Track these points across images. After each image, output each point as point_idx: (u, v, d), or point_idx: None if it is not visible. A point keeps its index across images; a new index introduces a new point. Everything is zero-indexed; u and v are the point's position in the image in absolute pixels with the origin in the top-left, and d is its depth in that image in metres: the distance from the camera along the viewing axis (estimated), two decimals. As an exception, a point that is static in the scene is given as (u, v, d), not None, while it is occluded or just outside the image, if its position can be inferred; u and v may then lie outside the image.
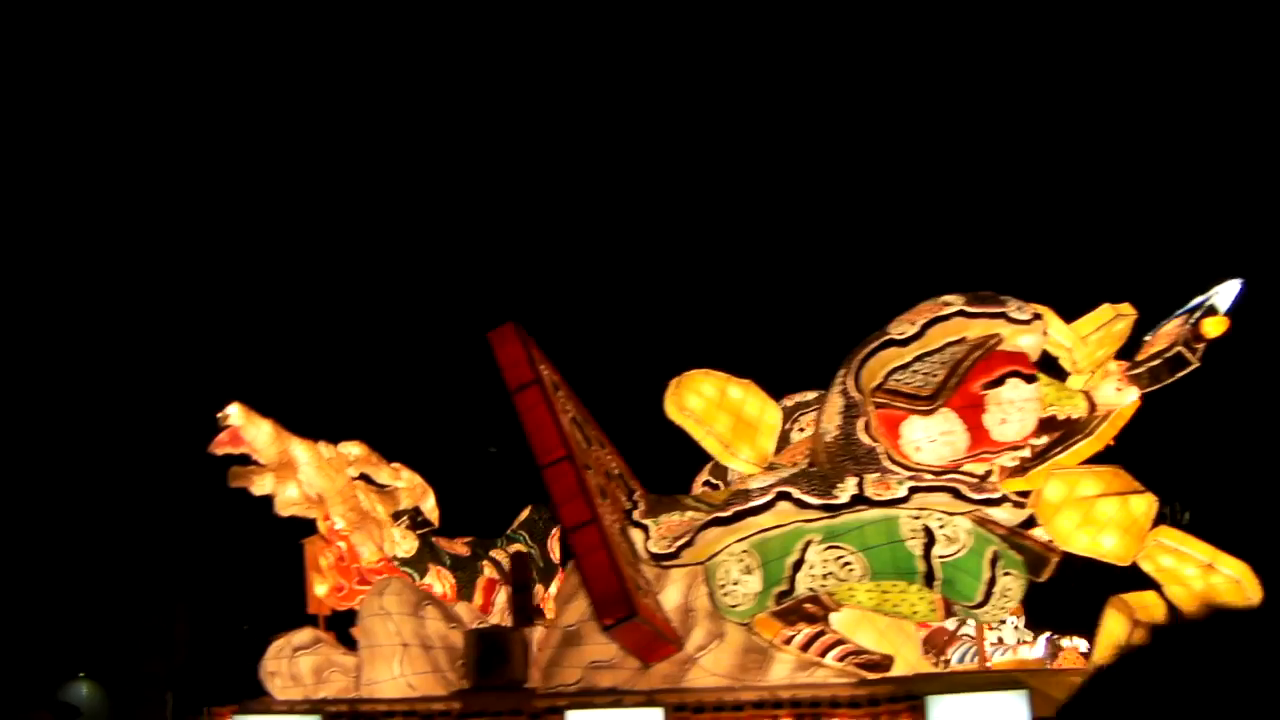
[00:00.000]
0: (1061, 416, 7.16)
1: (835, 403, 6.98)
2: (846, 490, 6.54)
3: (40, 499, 15.48)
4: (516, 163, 18.61)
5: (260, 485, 7.97)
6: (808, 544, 6.59)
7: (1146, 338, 7.56)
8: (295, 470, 8.19)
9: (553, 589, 11.57)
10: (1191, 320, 7.01)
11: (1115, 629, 6.85)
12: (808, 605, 6.85)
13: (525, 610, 7.63)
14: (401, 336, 18.01)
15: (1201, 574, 6.74)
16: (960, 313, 6.83)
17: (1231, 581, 6.66)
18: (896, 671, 6.87)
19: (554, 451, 6.79)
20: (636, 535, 7.17)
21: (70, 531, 15.64)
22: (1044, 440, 7.30)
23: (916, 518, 6.56)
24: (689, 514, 7.31)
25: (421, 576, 10.03)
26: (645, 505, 7.51)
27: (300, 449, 8.31)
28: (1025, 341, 7.02)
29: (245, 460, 8.10)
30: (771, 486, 6.69)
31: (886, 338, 6.87)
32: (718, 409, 7.82)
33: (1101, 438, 7.60)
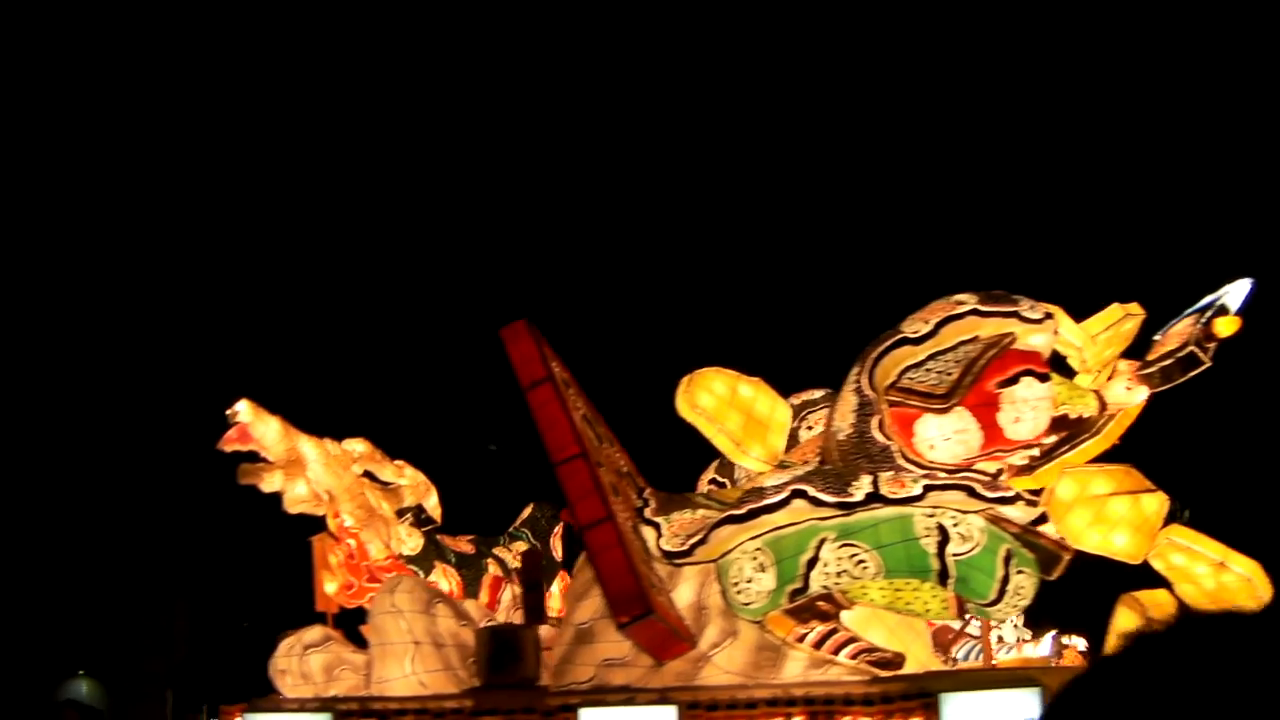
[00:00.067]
0: (1073, 415, 7.19)
1: (848, 401, 6.98)
2: (861, 488, 6.55)
3: (39, 496, 15.42)
4: (518, 161, 18.60)
5: (269, 482, 7.95)
6: (822, 542, 6.60)
7: (1156, 337, 7.59)
8: (304, 467, 8.17)
9: (554, 587, 11.60)
10: (1203, 320, 7.04)
11: (1127, 627, 6.89)
12: (820, 603, 6.86)
13: (537, 608, 7.62)
14: (400, 334, 17.98)
15: (1213, 572, 6.76)
16: (973, 311, 6.85)
17: (1243, 580, 6.69)
18: (908, 669, 6.89)
19: (567, 449, 6.78)
20: (648, 533, 7.17)
21: (69, 529, 15.58)
22: (1053, 439, 7.33)
23: (930, 516, 6.57)
24: (701, 512, 7.31)
25: (427, 574, 10.02)
26: (656, 503, 7.50)
27: (308, 446, 8.29)
28: (1036, 340, 7.04)
29: (253, 457, 8.07)
30: (786, 484, 6.70)
31: (900, 336, 6.88)
32: (729, 407, 7.82)
33: (1109, 437, 7.64)
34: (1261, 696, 0.82)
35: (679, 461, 9.33)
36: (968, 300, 6.94)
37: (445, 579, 9.87)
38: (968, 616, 8.92)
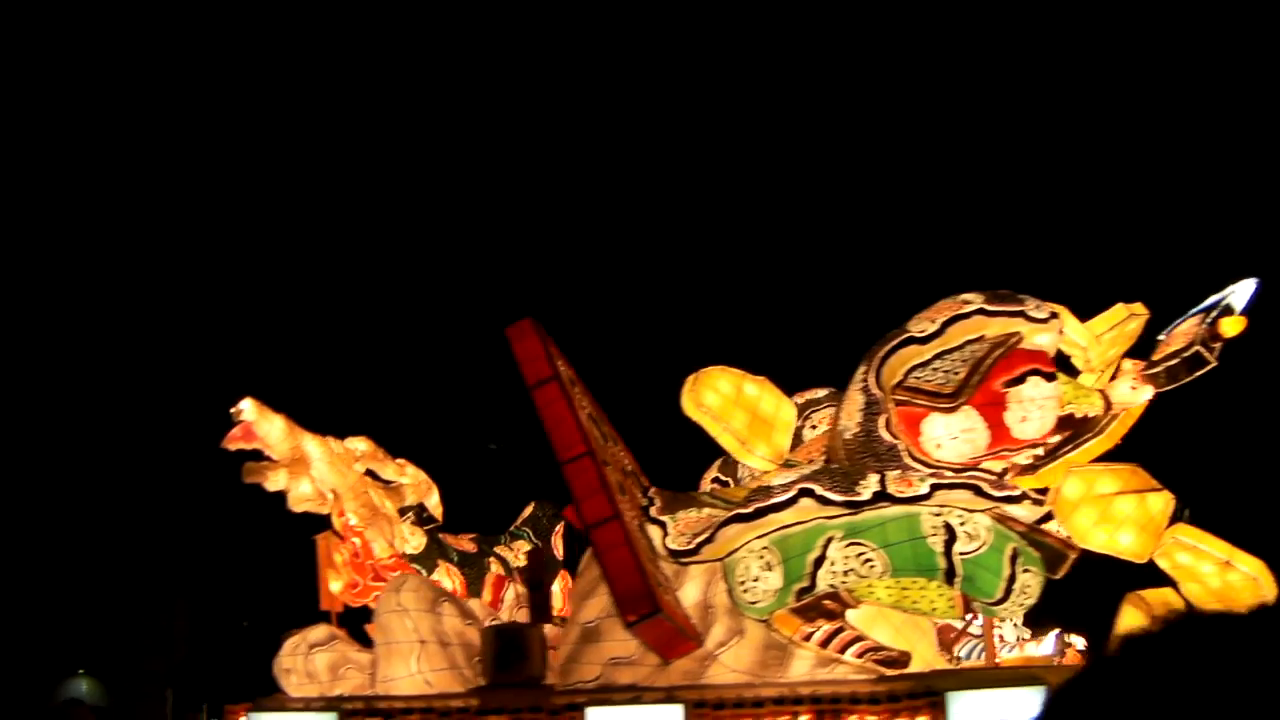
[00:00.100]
0: (1079, 415, 7.20)
1: (855, 400, 6.98)
2: (869, 487, 6.55)
3: (39, 496, 15.37)
4: (519, 160, 18.59)
5: (274, 481, 7.93)
6: (829, 540, 6.60)
7: (1160, 337, 7.60)
8: (308, 466, 8.15)
9: (555, 586, 11.59)
10: (1208, 320, 7.04)
11: (1132, 626, 6.90)
12: (826, 602, 6.86)
13: (543, 607, 7.61)
14: (400, 333, 17.96)
15: (1219, 571, 6.78)
16: (980, 311, 6.85)
17: (1248, 579, 6.71)
18: (913, 668, 6.89)
19: (574, 447, 6.78)
20: (654, 532, 7.16)
21: (69, 528, 15.54)
22: (1057, 438, 7.34)
23: (937, 514, 6.57)
24: (706, 510, 7.31)
25: (430, 573, 10.02)
26: (661, 502, 7.50)
27: (312, 444, 8.28)
28: (1042, 340, 7.05)
29: (258, 456, 8.06)
30: (794, 483, 6.69)
31: (907, 335, 6.88)
32: (734, 405, 7.82)
33: (1111, 436, 7.65)
34: (1256, 695, 0.81)
35: (680, 460, 9.34)
36: (974, 299, 6.94)
37: (448, 578, 9.86)
38: (968, 617, 8.97)
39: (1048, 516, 6.90)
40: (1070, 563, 6.90)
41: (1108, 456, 7.39)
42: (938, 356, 6.85)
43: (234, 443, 7.90)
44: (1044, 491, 7.05)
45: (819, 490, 6.57)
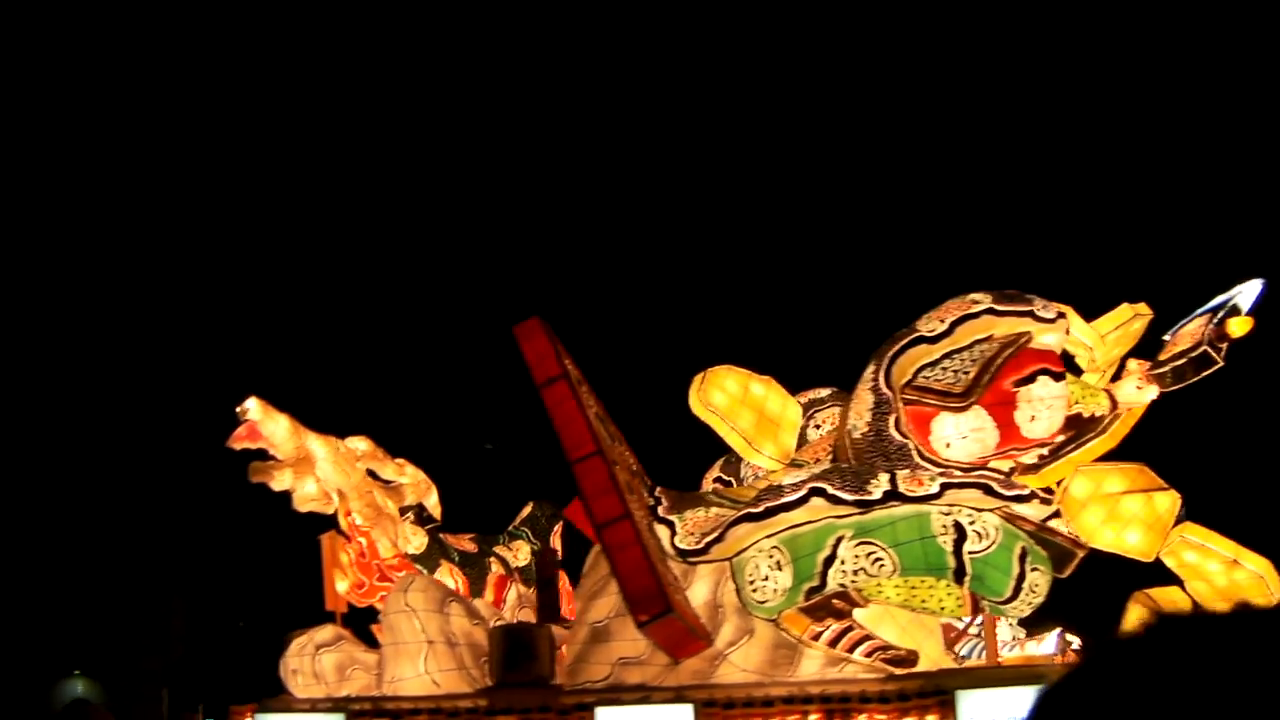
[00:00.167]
0: (1086, 414, 7.22)
1: (865, 399, 6.99)
2: (879, 486, 6.56)
3: (35, 495, 15.27)
4: (516, 162, 18.55)
5: (279, 481, 7.89)
6: (839, 540, 6.60)
7: (1166, 337, 7.63)
8: (312, 465, 8.11)
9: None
10: (1215, 320, 7.07)
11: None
12: (835, 601, 6.87)
13: (551, 606, 7.59)
14: (396, 333, 17.91)
15: (1225, 570, 6.81)
16: (989, 310, 6.87)
17: (1255, 577, 6.75)
18: (920, 667, 6.91)
19: (584, 446, 6.77)
20: (662, 531, 7.15)
21: (65, 528, 15.44)
22: (1061, 438, 7.37)
23: (947, 513, 6.58)
24: (714, 510, 7.30)
25: (433, 573, 9.97)
26: (668, 501, 7.49)
27: (317, 444, 8.24)
28: (1049, 339, 7.07)
29: (262, 455, 8.01)
30: (804, 482, 6.69)
31: (916, 335, 6.89)
32: (741, 405, 7.82)
33: (1114, 436, 7.68)
34: (1243, 694, 0.82)
35: (680, 460, 9.34)
36: (983, 299, 6.95)
37: (451, 578, 9.82)
38: (967, 619, 8.99)
39: (1055, 515, 6.93)
40: (1077, 561, 6.93)
41: (1109, 456, 7.43)
42: (946, 356, 6.87)
43: (239, 442, 7.85)
44: (1049, 490, 7.08)
45: (830, 489, 6.58)
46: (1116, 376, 7.69)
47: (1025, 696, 6.63)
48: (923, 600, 6.78)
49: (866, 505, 6.55)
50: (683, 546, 6.99)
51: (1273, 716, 0.81)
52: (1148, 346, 7.70)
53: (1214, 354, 6.98)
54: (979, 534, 6.58)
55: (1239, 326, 6.93)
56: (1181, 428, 7.60)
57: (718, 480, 8.98)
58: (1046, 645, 10.29)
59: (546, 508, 11.91)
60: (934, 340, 6.86)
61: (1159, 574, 7.10)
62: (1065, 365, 7.43)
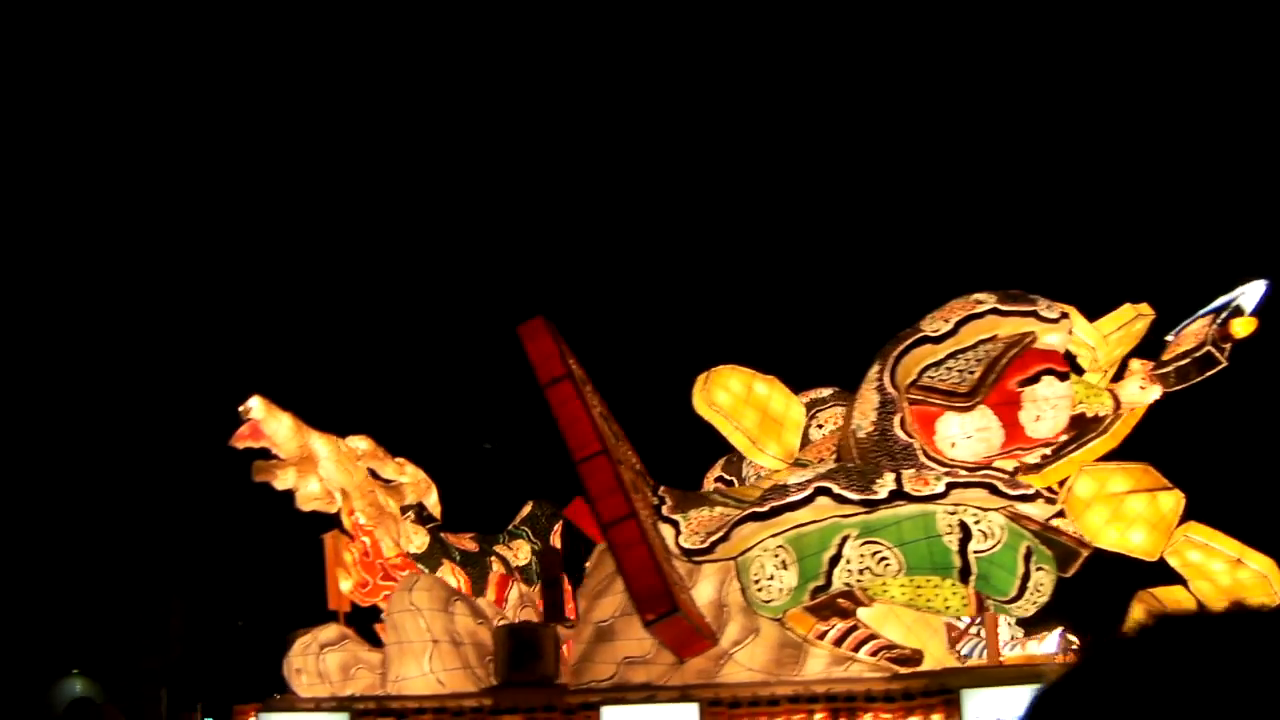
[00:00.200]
0: (1090, 414, 7.24)
1: (870, 399, 7.00)
2: (885, 485, 6.57)
3: (33, 495, 15.23)
4: (514, 162, 18.53)
5: (282, 480, 7.87)
6: (845, 539, 6.61)
7: (1169, 337, 7.65)
8: (315, 465, 8.10)
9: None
10: (1219, 320, 7.10)
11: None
12: (839, 600, 6.88)
13: (556, 606, 7.59)
14: (393, 332, 17.89)
15: (1229, 569, 6.83)
16: (993, 310, 6.88)
17: (1259, 576, 6.77)
18: (924, 666, 6.92)
19: (589, 446, 6.77)
20: (667, 531, 7.16)
21: (63, 527, 15.40)
22: (1064, 437, 7.39)
23: (952, 513, 6.60)
24: (718, 509, 7.30)
25: (434, 572, 9.97)
26: (672, 500, 7.49)
27: (320, 443, 8.23)
28: (1052, 339, 7.09)
29: (265, 454, 8.00)
30: (810, 481, 6.71)
31: (921, 335, 6.90)
32: (745, 404, 7.82)
33: (1115, 435, 7.71)
34: (1239, 694, 0.82)
35: (681, 459, 9.34)
36: (987, 299, 6.97)
37: (453, 577, 9.81)
38: (966, 620, 9.00)
39: (1059, 514, 6.95)
40: (1082, 561, 6.95)
41: (1111, 455, 7.45)
42: (951, 356, 6.88)
43: (242, 441, 7.83)
44: (1052, 490, 7.10)
45: (836, 489, 6.59)
46: (1118, 377, 7.72)
47: (1030, 696, 6.67)
48: (928, 599, 6.80)
49: (872, 505, 6.56)
50: (687, 546, 7.00)
51: (1266, 716, 0.81)
52: (1148, 347, 7.73)
53: (1218, 354, 7.00)
54: (984, 533, 6.59)
55: (1243, 327, 6.95)
56: (1185, 427, 7.61)
57: (719, 480, 8.99)
58: (1048, 644, 10.32)
59: (546, 507, 11.90)
60: (938, 340, 6.87)
61: (1161, 573, 7.13)
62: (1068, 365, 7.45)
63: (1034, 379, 6.71)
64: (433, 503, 10.83)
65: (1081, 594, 7.68)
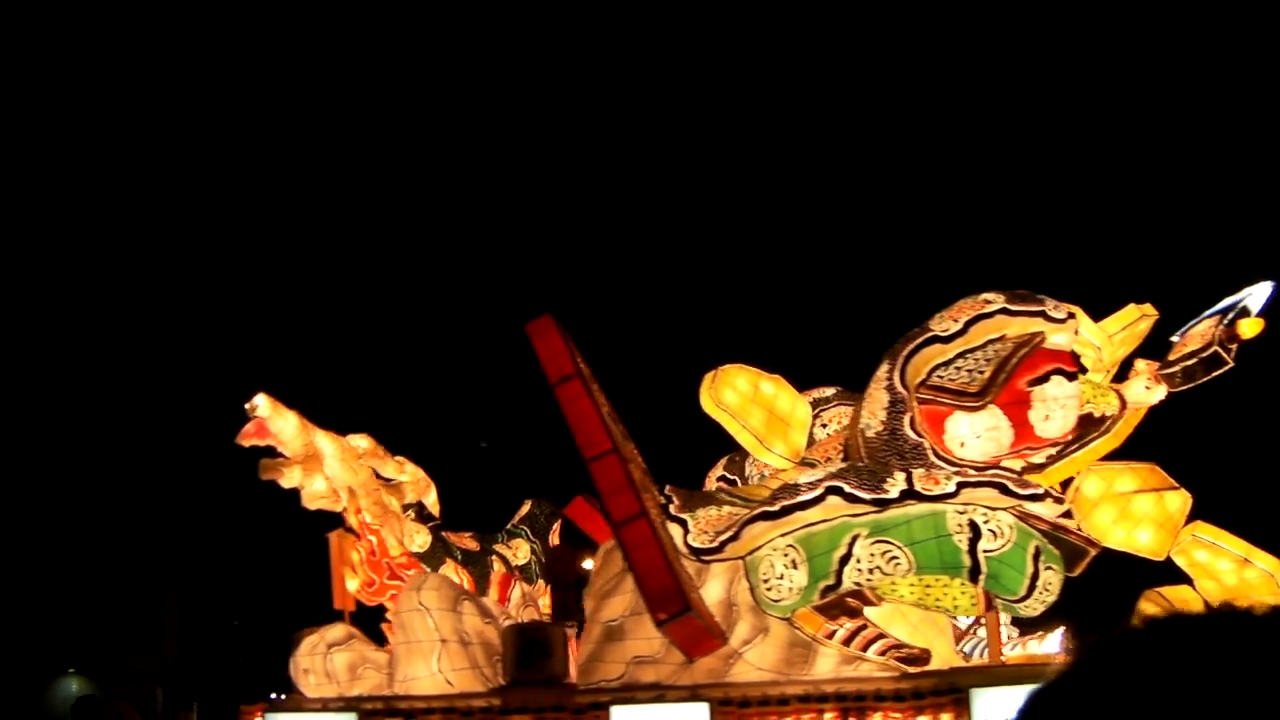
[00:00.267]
0: (1097, 414, 7.27)
1: (879, 398, 7.01)
2: (896, 485, 6.58)
3: (29, 495, 15.12)
4: (513, 163, 18.49)
5: (289, 478, 7.83)
6: (855, 538, 6.62)
7: (1174, 338, 7.69)
8: (321, 463, 8.06)
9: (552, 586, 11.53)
10: (1226, 321, 7.13)
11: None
12: (848, 599, 6.89)
13: (566, 605, 7.57)
14: (389, 332, 17.82)
15: (1236, 568, 6.87)
16: (1002, 310, 6.90)
17: (1265, 576, 6.81)
18: (932, 665, 6.93)
19: (599, 444, 6.75)
20: (675, 530, 7.15)
21: (59, 527, 15.30)
22: (1070, 437, 7.41)
23: (962, 512, 6.61)
24: (726, 508, 7.30)
25: (436, 571, 9.93)
26: (680, 500, 7.48)
27: (325, 441, 8.19)
28: (1059, 339, 7.11)
29: (270, 452, 7.96)
30: (820, 481, 6.71)
31: (930, 334, 6.91)
32: (751, 404, 7.83)
33: (1118, 435, 7.74)
34: (1232, 696, 0.83)
35: (681, 460, 9.34)
36: (995, 299, 6.98)
37: (456, 576, 9.78)
38: (971, 618, 9.01)
39: (1066, 514, 6.98)
40: (1089, 560, 6.98)
41: (1115, 455, 7.48)
42: (960, 355, 6.89)
43: (247, 439, 7.79)
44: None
45: (847, 488, 6.59)
46: (1122, 377, 7.76)
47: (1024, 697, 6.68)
48: (936, 599, 6.81)
49: (883, 504, 6.57)
50: (696, 545, 6.99)
51: (1259, 717, 0.81)
52: (1149, 347, 7.77)
53: (1225, 355, 7.04)
54: (994, 532, 6.61)
55: (1250, 328, 6.98)
56: (1192, 428, 7.65)
57: (721, 479, 8.99)
58: (1049, 644, 10.34)
59: (545, 506, 11.87)
60: (948, 340, 6.88)
61: (1166, 572, 7.16)
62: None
63: (1043, 379, 6.73)
64: (432, 501, 10.79)
65: (1085, 593, 7.72)
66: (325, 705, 7.07)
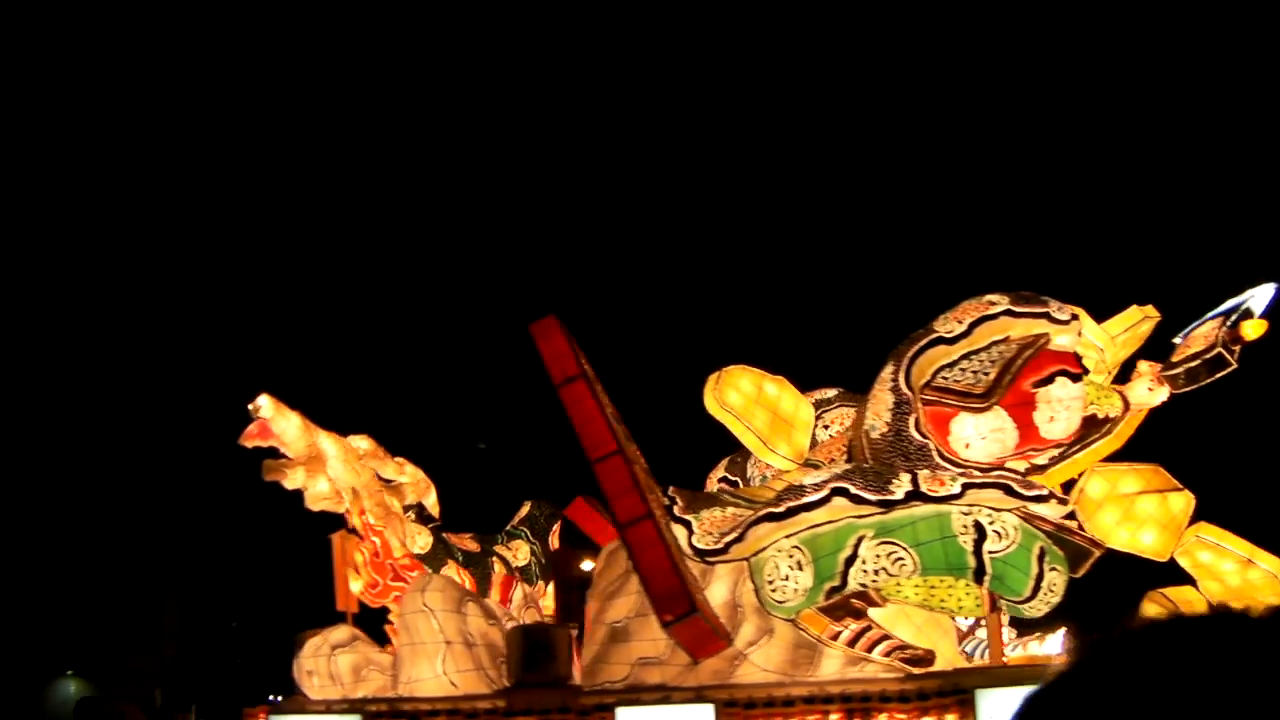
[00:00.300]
0: (1101, 416, 7.29)
1: (884, 399, 7.01)
2: (902, 486, 6.59)
3: (27, 496, 15.07)
4: (506, 169, 18.48)
5: (292, 479, 7.81)
6: (860, 539, 6.62)
7: (1177, 340, 7.71)
8: (324, 464, 8.04)
9: (551, 586, 11.54)
10: (1229, 322, 7.15)
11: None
12: (852, 600, 6.89)
13: (570, 606, 7.56)
14: (387, 332, 17.80)
15: (1239, 569, 6.89)
16: (1007, 312, 6.91)
17: (1269, 577, 6.83)
18: (935, 667, 6.94)
19: (605, 446, 6.75)
20: (679, 531, 7.15)
21: (57, 528, 15.24)
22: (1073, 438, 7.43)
23: (967, 513, 6.62)
24: (730, 510, 7.30)
25: (437, 572, 9.92)
26: (683, 501, 7.48)
27: (328, 442, 8.17)
28: (1063, 341, 7.13)
29: (274, 453, 7.94)
30: (826, 482, 6.71)
31: (935, 335, 6.92)
32: (755, 405, 7.83)
33: (1119, 437, 7.76)
34: (1225, 698, 0.83)
35: (680, 461, 9.34)
36: (1000, 301, 7.00)
37: (458, 576, 9.77)
38: (970, 619, 9.03)
39: (1070, 515, 6.99)
40: (1092, 561, 7.00)
41: (1117, 456, 7.50)
42: (965, 357, 6.91)
43: (250, 440, 7.77)
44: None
45: (853, 489, 6.60)
46: (1124, 378, 7.78)
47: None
48: (941, 600, 6.82)
49: (889, 505, 6.58)
50: (701, 546, 6.99)
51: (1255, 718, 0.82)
52: (1150, 349, 7.79)
53: (1228, 356, 7.06)
54: (999, 534, 6.62)
55: (1253, 329, 7.01)
56: (1196, 429, 7.67)
57: (723, 480, 8.99)
58: (1049, 645, 10.36)
59: (545, 507, 11.86)
60: (952, 341, 6.89)
61: (1169, 573, 7.18)
62: (1075, 367, 7.48)
63: (1048, 380, 6.74)
64: (431, 502, 10.77)
65: (1089, 595, 7.74)
66: (329, 707, 7.05)
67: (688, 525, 7.18)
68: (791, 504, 6.70)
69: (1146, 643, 0.90)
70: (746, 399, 7.83)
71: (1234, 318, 7.15)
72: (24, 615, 14.48)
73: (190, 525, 15.02)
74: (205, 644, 15.71)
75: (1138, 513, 7.02)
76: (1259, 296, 7.17)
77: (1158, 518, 6.98)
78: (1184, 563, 7.03)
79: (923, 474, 6.65)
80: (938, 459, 6.76)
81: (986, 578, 6.61)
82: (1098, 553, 6.87)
